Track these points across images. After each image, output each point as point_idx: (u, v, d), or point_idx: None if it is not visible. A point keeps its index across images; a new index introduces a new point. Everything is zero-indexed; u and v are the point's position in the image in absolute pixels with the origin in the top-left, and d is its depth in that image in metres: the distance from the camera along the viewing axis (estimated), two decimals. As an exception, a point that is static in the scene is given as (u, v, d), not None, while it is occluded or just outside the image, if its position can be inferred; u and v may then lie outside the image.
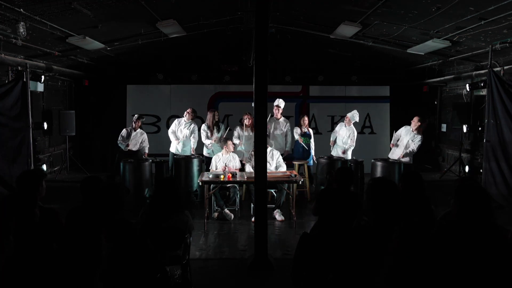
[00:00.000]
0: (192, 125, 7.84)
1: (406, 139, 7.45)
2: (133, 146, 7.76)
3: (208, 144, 7.67)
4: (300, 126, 7.91)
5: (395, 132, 7.75)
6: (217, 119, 7.77)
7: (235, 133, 7.75)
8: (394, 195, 2.43)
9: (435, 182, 9.02)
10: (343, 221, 3.38)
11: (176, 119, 8.00)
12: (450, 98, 10.09)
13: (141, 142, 7.83)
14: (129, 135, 7.73)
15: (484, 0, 5.07)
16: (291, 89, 10.55)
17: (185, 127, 7.82)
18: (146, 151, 7.86)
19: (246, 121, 7.50)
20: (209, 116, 7.77)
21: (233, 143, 7.18)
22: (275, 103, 7.73)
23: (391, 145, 7.76)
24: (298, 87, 10.61)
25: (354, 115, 7.89)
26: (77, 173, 9.46)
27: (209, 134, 7.66)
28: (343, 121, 8.08)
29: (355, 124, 8.10)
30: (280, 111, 7.77)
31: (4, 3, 5.05)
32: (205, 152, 7.76)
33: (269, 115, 7.65)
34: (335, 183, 3.90)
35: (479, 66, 8.39)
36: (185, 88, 10.45)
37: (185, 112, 7.83)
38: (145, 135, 7.93)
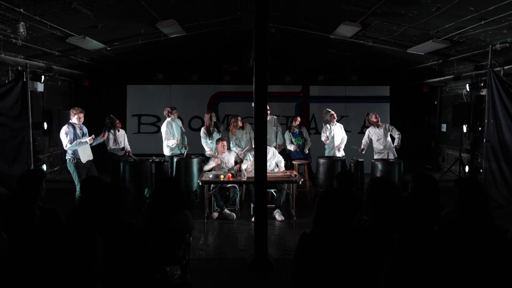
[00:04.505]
0: (181, 122, 7.88)
1: (382, 135, 7.74)
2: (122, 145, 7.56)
3: (208, 151, 7.58)
4: (290, 127, 7.84)
5: (364, 140, 7.96)
6: (215, 120, 7.71)
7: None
8: (394, 195, 2.43)
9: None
10: (343, 221, 3.38)
11: (165, 125, 7.75)
12: (450, 98, 10.09)
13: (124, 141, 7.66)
14: (116, 137, 7.48)
15: (484, 0, 5.07)
16: (291, 89, 10.55)
17: (177, 127, 7.77)
18: (129, 149, 7.61)
19: (232, 125, 7.53)
20: (206, 118, 7.71)
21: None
22: None
23: (360, 150, 7.81)
24: (298, 87, 10.61)
25: (325, 115, 7.94)
26: (77, 173, 9.43)
27: (208, 138, 7.55)
28: (328, 124, 8.01)
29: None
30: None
31: (4, 3, 5.05)
32: (207, 154, 7.70)
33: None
34: (336, 183, 3.91)
35: (479, 66, 8.39)
36: (185, 88, 10.45)
37: (171, 114, 7.69)
38: (124, 133, 7.71)
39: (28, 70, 6.94)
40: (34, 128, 7.11)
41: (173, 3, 6.16)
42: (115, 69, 10.48)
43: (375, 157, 7.81)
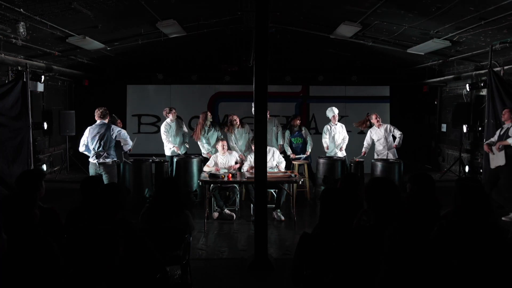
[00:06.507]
0: (182, 124, 7.85)
1: (383, 136, 7.76)
2: None
3: (205, 153, 7.57)
4: (292, 127, 7.86)
5: (366, 141, 7.96)
6: (210, 120, 7.57)
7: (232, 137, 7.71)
8: (394, 195, 2.43)
9: (435, 182, 9.00)
10: (343, 221, 3.38)
11: (163, 125, 7.74)
12: (450, 98, 10.08)
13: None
14: None
15: (484, 0, 5.07)
16: (291, 89, 10.55)
17: (176, 128, 7.72)
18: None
19: (235, 122, 7.51)
20: (200, 118, 7.55)
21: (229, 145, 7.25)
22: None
23: (363, 153, 7.80)
24: (298, 87, 10.61)
25: (328, 112, 7.92)
26: (77, 173, 9.44)
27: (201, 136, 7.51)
28: (328, 124, 8.02)
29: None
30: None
31: (4, 3, 5.05)
32: (204, 155, 7.69)
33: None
34: (340, 184, 3.91)
35: (479, 66, 8.38)
36: (185, 88, 10.46)
37: (169, 114, 7.61)
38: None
39: (28, 70, 6.94)
40: (34, 128, 7.11)
41: (173, 3, 6.16)
42: (115, 69, 10.49)
43: (375, 157, 7.81)
